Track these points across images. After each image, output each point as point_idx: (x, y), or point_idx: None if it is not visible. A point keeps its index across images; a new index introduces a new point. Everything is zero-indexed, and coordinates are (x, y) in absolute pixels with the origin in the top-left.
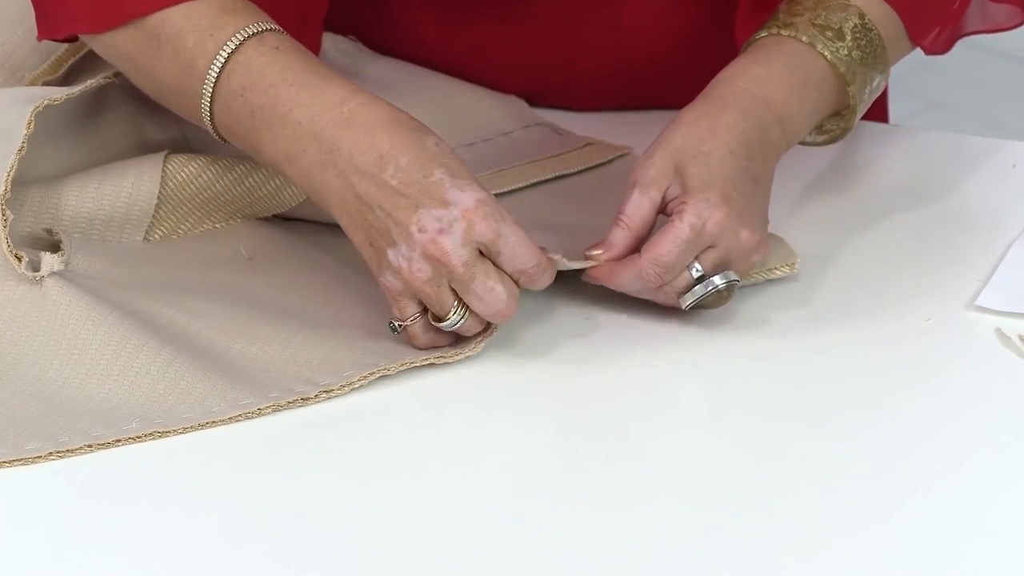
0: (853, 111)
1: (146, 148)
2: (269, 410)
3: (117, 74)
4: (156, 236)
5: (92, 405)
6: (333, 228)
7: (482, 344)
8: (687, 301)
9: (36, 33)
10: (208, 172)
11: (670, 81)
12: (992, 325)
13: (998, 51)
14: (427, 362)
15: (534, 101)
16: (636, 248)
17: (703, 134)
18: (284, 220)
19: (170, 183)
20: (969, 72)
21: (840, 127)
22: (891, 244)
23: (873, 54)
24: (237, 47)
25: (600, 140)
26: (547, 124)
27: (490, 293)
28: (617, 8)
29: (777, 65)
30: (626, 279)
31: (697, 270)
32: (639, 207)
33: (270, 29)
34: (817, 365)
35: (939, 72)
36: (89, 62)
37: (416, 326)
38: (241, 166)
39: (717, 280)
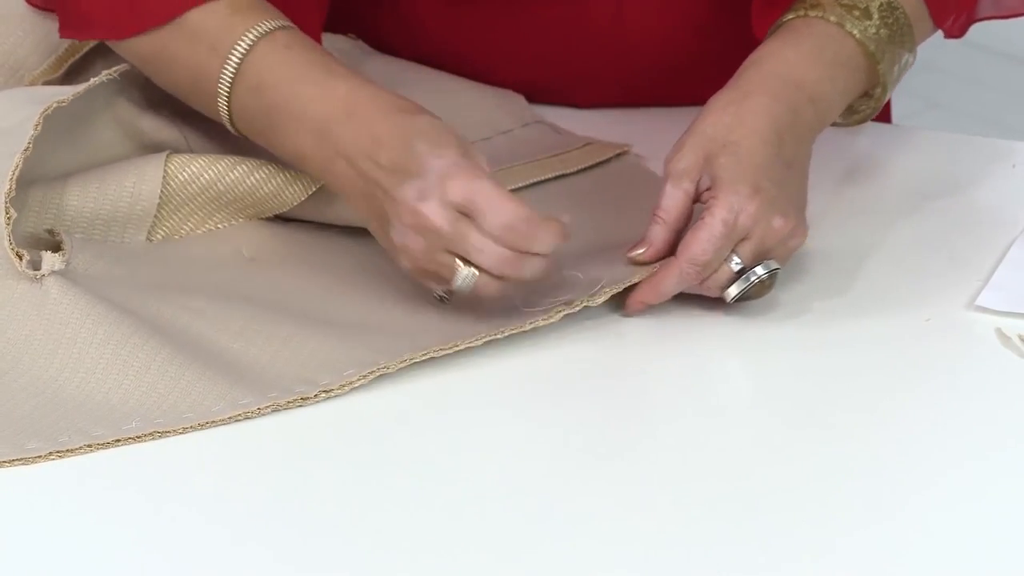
0: (884, 89)
1: (147, 149)
2: (268, 410)
3: (119, 72)
4: (158, 236)
5: (92, 404)
6: (334, 228)
7: (480, 340)
8: (731, 295)
9: (36, 33)
10: (209, 172)
11: (672, 76)
12: (992, 325)
13: (998, 51)
14: (426, 356)
15: (535, 97)
16: (675, 241)
17: (731, 122)
18: (286, 220)
19: (171, 183)
20: (969, 72)
21: (871, 106)
22: (891, 244)
23: (900, 32)
24: (249, 48)
25: (599, 140)
26: (546, 123)
27: (489, 241)
28: None
29: (807, 46)
30: (668, 286)
31: (737, 263)
32: (673, 200)
33: (281, 27)
34: (816, 364)
35: (939, 72)
36: (89, 62)
37: (470, 282)
38: (242, 166)
39: (759, 270)
